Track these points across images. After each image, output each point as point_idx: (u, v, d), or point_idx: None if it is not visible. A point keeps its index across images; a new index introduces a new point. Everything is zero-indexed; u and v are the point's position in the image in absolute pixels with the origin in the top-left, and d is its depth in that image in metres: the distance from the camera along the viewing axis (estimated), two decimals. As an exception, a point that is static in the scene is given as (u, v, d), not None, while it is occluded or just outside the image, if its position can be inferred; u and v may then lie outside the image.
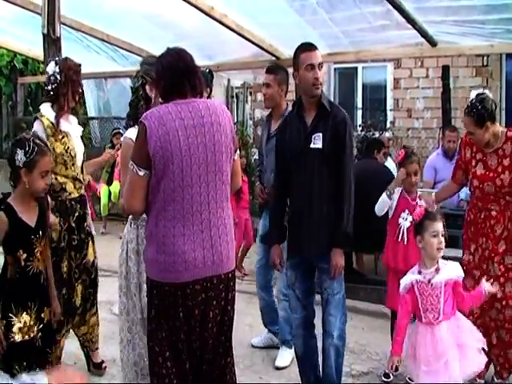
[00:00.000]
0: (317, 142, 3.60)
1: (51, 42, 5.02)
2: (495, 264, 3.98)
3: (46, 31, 5.01)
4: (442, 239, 3.38)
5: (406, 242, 4.32)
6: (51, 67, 4.13)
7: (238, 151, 3.02)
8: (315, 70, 3.62)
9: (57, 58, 4.38)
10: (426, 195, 4.44)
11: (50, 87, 4.09)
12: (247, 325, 4.88)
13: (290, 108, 4.59)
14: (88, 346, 4.41)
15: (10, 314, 3.16)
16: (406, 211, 4.35)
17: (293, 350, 4.63)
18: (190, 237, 2.74)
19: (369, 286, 6.09)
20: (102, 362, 4.44)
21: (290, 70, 7.77)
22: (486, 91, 4.05)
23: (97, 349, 4.47)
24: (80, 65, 4.23)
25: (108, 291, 5.17)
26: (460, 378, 3.28)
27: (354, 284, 6.14)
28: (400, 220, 4.38)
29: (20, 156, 3.13)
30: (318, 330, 3.88)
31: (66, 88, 4.07)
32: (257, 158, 5.62)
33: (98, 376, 4.37)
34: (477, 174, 4.06)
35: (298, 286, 3.81)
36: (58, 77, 4.07)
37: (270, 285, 4.85)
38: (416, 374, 3.42)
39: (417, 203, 4.33)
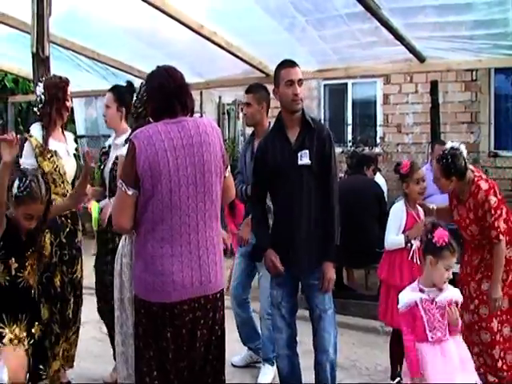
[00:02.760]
0: (304, 159, 3.62)
1: (40, 62, 5.01)
2: (471, 287, 4.06)
3: (35, 50, 5.00)
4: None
5: (419, 262, 4.09)
6: (38, 89, 4.20)
7: (228, 167, 3.02)
8: (294, 86, 3.64)
9: (43, 78, 4.39)
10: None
11: (36, 108, 4.14)
12: (236, 341, 4.84)
13: None
14: (63, 364, 4.27)
15: (1, 325, 3.15)
16: None
17: (275, 367, 4.60)
18: (178, 257, 2.74)
19: (359, 302, 6.09)
20: (69, 382, 4.36)
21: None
22: (462, 147, 4.03)
23: (70, 367, 4.38)
24: (65, 81, 4.23)
25: (99, 310, 5.15)
26: None
27: (345, 299, 6.14)
28: (412, 241, 4.23)
29: (15, 186, 3.18)
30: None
31: (50, 106, 4.12)
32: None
33: None
34: (454, 219, 4.17)
35: (285, 304, 3.78)
36: (43, 96, 4.13)
37: (247, 301, 4.83)
38: None
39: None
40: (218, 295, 2.90)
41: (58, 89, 4.16)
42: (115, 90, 4.43)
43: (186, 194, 2.74)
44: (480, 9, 5.58)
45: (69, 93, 4.24)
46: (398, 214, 4.32)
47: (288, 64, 3.75)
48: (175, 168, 2.71)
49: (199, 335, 2.81)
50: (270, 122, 4.66)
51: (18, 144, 3.14)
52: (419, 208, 4.39)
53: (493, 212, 3.89)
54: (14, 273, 3.22)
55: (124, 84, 4.51)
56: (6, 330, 3.17)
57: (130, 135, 3.71)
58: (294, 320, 3.86)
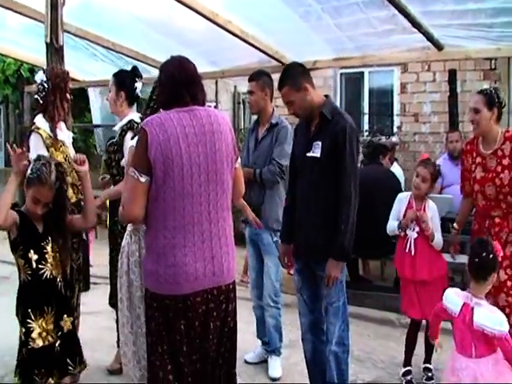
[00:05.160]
0: (315, 151, 3.58)
1: (54, 51, 5.02)
2: (501, 270, 3.91)
3: (48, 40, 5.01)
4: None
5: (413, 253, 4.32)
6: (39, 76, 4.21)
7: (239, 159, 2.99)
8: None
9: (45, 67, 4.41)
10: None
11: (38, 96, 4.14)
12: (252, 333, 4.81)
13: (276, 112, 4.63)
14: None
15: (29, 320, 3.18)
16: (414, 222, 4.34)
17: (281, 357, 4.64)
18: (191, 248, 2.71)
19: (375, 293, 6.04)
20: None
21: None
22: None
23: None
24: (67, 72, 4.30)
25: (112, 300, 5.14)
26: None
27: (361, 291, 6.10)
28: (408, 231, 4.38)
29: (28, 171, 3.22)
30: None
31: (54, 95, 4.14)
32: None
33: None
34: (477, 179, 4.13)
35: (305, 291, 3.81)
36: (46, 85, 4.14)
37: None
38: None
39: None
40: (231, 286, 2.88)
41: (61, 79, 4.19)
42: (116, 73, 4.40)
43: (197, 181, 2.71)
44: (499, -4, 5.48)
45: (69, 85, 4.28)
46: (398, 201, 4.56)
47: None
48: (187, 155, 2.68)
49: (212, 327, 2.79)
50: (273, 109, 4.63)
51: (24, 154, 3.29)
52: (430, 205, 4.44)
53: None
54: (34, 265, 3.22)
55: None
56: (34, 325, 3.18)
57: (129, 123, 3.99)
58: (319, 307, 3.77)
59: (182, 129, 2.70)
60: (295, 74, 3.67)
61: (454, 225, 4.51)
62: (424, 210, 4.38)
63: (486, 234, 4.04)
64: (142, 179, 2.68)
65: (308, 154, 3.63)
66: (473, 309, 3.18)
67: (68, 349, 3.36)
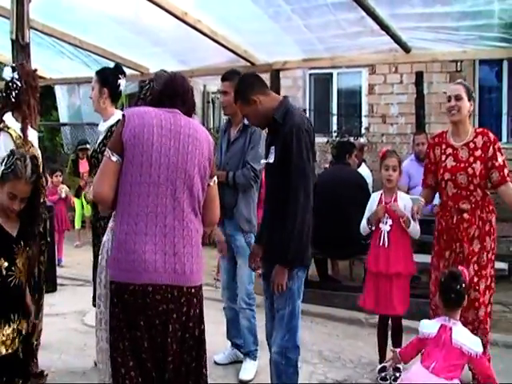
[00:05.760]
0: (270, 157, 3.54)
1: (20, 48, 4.93)
2: (470, 265, 4.03)
3: (14, 37, 4.92)
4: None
5: (386, 246, 4.37)
6: (8, 73, 4.07)
7: (214, 178, 2.99)
8: None
9: (13, 64, 4.33)
10: (416, 202, 4.38)
11: (12, 94, 4.02)
12: (221, 334, 4.80)
13: None
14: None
15: None
16: (386, 215, 4.39)
17: (257, 361, 4.56)
18: (151, 237, 2.73)
19: (344, 293, 6.07)
20: (42, 371, 4.19)
21: (265, 76, 7.87)
22: None
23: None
24: (36, 70, 4.25)
25: (80, 301, 5.08)
26: None
27: (329, 291, 6.14)
28: (380, 225, 4.42)
29: (1, 167, 3.13)
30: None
31: (28, 95, 4.04)
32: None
33: None
34: (448, 168, 4.18)
35: (269, 295, 3.70)
36: (19, 83, 4.04)
37: (237, 294, 4.69)
38: None
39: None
40: (193, 290, 2.82)
41: (32, 77, 4.13)
42: (98, 71, 4.35)
43: (165, 173, 2.75)
44: (466, 0, 5.58)
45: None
46: (371, 201, 4.57)
47: None
48: (158, 144, 2.74)
49: (171, 329, 2.75)
50: None
51: None
52: (401, 196, 4.50)
53: (502, 152, 4.08)
54: (4, 273, 3.14)
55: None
56: None
57: (118, 123, 3.79)
58: None
59: (159, 121, 2.79)
60: (244, 88, 3.60)
61: (421, 200, 4.37)
62: (396, 201, 4.42)
63: (455, 232, 4.11)
64: (113, 158, 2.75)
65: (263, 161, 3.69)
66: (451, 328, 3.26)
67: (27, 351, 3.31)
